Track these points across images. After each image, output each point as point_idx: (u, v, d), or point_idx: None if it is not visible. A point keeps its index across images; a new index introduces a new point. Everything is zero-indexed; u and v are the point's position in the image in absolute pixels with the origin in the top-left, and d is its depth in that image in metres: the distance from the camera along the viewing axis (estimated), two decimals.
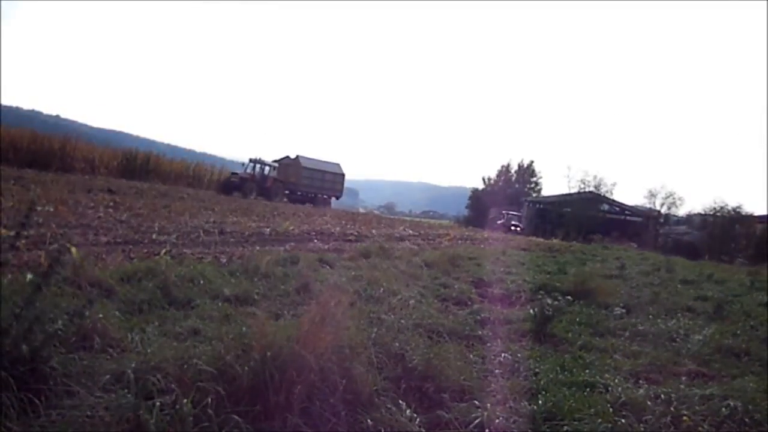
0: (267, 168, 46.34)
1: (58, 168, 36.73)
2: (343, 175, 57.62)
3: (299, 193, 52.15)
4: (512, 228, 54.74)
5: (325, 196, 54.62)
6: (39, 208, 13.62)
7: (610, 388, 5.10)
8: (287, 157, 53.53)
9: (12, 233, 4.41)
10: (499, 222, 58.22)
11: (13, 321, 3.56)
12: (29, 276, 4.71)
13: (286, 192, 49.53)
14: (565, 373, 5.57)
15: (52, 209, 13.99)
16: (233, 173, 45.53)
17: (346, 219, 30.37)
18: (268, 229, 17.45)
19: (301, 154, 56.87)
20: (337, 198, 58.22)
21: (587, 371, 5.68)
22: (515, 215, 63.34)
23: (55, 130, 49.49)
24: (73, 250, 6.77)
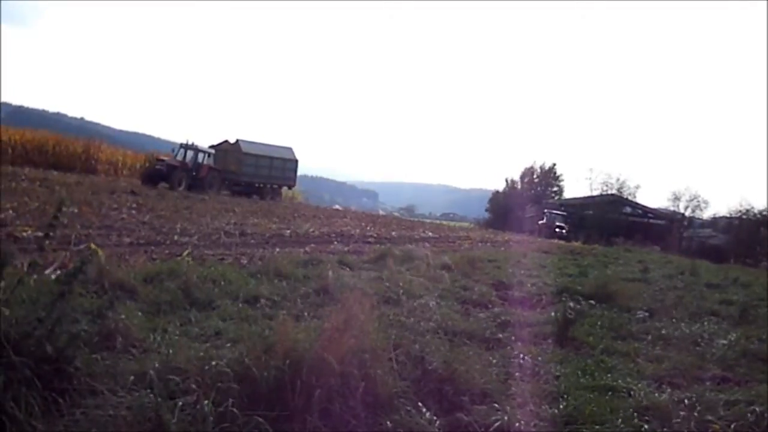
0: (201, 154, 38.23)
1: (82, 170, 37.29)
2: (295, 161, 48.57)
3: (242, 183, 43.60)
4: (557, 230, 48.83)
5: (274, 186, 46.41)
6: (64, 209, 13.80)
7: (632, 393, 5.04)
8: (226, 141, 45.10)
9: (39, 233, 4.47)
10: (540, 222, 53.08)
11: (39, 321, 3.60)
12: (54, 276, 4.79)
13: (226, 182, 42.17)
14: (587, 377, 5.51)
15: (76, 210, 14.18)
16: (159, 160, 37.97)
17: (366, 221, 30.41)
18: (288, 231, 17.55)
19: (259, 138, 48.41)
20: (290, 188, 49.97)
21: (609, 375, 5.62)
22: (560, 215, 54.95)
23: (79, 132, 50.22)
24: (99, 251, 6.86)
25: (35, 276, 4.26)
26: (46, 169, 32.47)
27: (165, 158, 37.58)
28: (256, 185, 44.39)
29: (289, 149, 48.51)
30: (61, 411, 3.33)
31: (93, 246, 6.03)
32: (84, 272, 4.17)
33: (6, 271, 3.86)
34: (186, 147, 37.55)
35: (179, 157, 37.09)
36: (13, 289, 3.84)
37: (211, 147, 41.27)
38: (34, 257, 4.47)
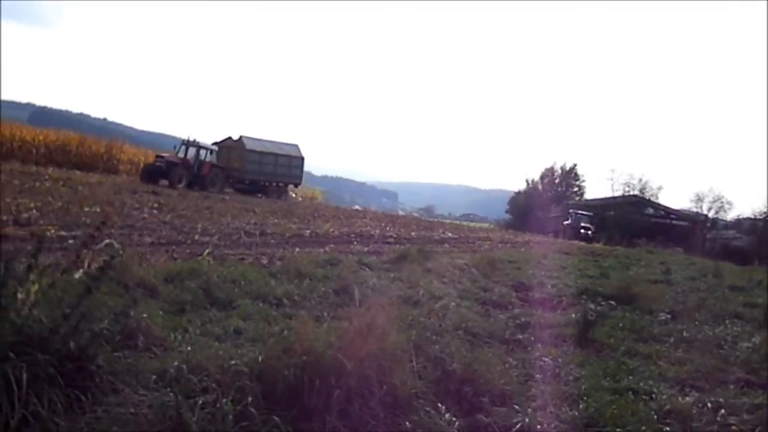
0: (203, 151, 37.23)
1: (105, 170, 37.71)
2: (301, 158, 46.60)
3: (246, 181, 42.08)
4: (582, 231, 47.50)
5: (279, 185, 44.60)
6: (86, 209, 13.98)
7: (654, 395, 5.00)
8: (230, 138, 43.51)
9: (62, 233, 4.52)
10: (565, 223, 52.32)
11: (62, 319, 3.64)
12: (77, 275, 4.83)
13: (229, 180, 40.61)
14: (608, 379, 5.48)
15: (98, 210, 14.34)
16: (158, 156, 36.65)
17: (385, 221, 30.41)
18: (308, 231, 17.60)
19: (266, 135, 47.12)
20: (296, 186, 48.05)
21: (631, 377, 5.58)
22: (585, 215, 53.35)
23: (102, 133, 50.73)
24: (120, 249, 6.93)
25: (62, 275, 4.29)
26: (69, 169, 32.86)
27: (165, 155, 36.55)
28: (262, 183, 43.06)
29: (295, 146, 46.85)
30: (83, 408, 3.36)
31: (114, 243, 6.11)
32: (108, 273, 4.21)
33: (38, 272, 3.90)
34: (187, 144, 36.66)
35: (180, 154, 36.28)
36: (45, 291, 3.87)
37: (215, 144, 40.40)
38: (57, 256, 4.52)
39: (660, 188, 63.29)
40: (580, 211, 54.63)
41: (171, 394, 3.48)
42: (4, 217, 11.06)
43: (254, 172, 42.30)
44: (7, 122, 38.55)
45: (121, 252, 6.94)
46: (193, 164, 36.02)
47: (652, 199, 62.42)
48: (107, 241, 4.94)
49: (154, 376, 3.76)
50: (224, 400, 3.44)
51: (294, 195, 48.45)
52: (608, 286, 11.32)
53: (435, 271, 11.05)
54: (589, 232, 48.37)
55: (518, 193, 79.44)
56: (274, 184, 43.81)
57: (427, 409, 4.07)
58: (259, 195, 40.18)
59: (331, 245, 15.05)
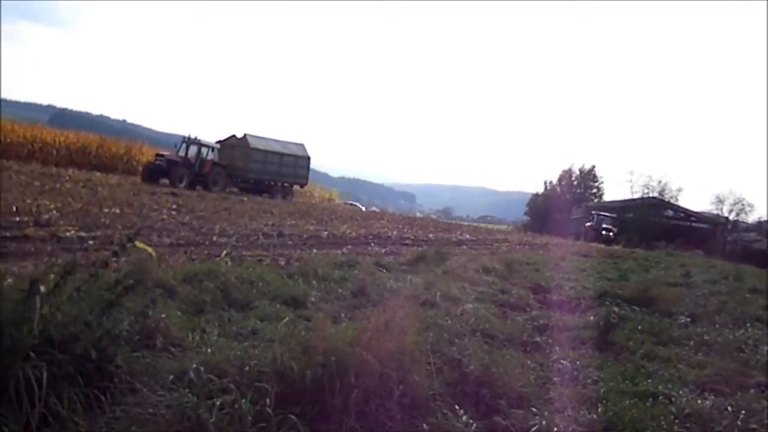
0: (204, 149, 36.08)
1: (124, 171, 38.04)
2: (308, 158, 45.45)
3: (250, 180, 40.94)
4: (603, 233, 47.09)
5: (285, 185, 43.45)
6: (106, 210, 14.12)
7: (674, 399, 4.94)
8: (233, 136, 42.31)
9: (82, 233, 4.56)
10: (587, 225, 51.74)
11: (85, 324, 3.67)
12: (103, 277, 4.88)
13: (232, 179, 39.70)
14: (627, 382, 5.43)
15: (118, 211, 14.47)
16: (159, 155, 35.40)
17: (403, 223, 30.40)
18: (326, 233, 17.64)
19: (272, 134, 47.14)
20: (302, 186, 46.89)
21: (650, 381, 5.52)
22: (608, 217, 52.46)
23: (121, 134, 51.27)
24: (150, 250, 6.98)
25: (79, 275, 4.33)
26: (89, 170, 33.20)
27: (166, 153, 35.53)
28: (266, 183, 41.85)
29: (301, 146, 45.62)
30: (103, 408, 3.38)
31: (140, 244, 6.13)
32: (135, 280, 4.25)
33: (69, 277, 3.93)
34: (188, 142, 35.67)
35: (181, 153, 35.27)
36: (70, 295, 3.91)
37: (218, 142, 39.39)
38: (77, 257, 4.56)
39: (680, 190, 62.65)
40: (602, 213, 54.04)
41: (189, 394, 3.50)
42: (25, 218, 11.19)
43: (258, 171, 41.34)
44: (28, 124, 39.10)
45: (151, 252, 7.02)
46: (194, 163, 35.08)
47: (672, 201, 61.83)
48: (132, 244, 4.97)
49: (173, 377, 3.78)
50: (242, 400, 3.45)
51: (302, 196, 48.10)
52: (627, 288, 11.22)
53: (453, 272, 11.02)
54: (611, 233, 47.96)
55: (536, 195, 79.12)
56: (279, 184, 42.93)
57: (445, 411, 4.06)
58: (264, 195, 39.40)
59: (349, 247, 15.08)
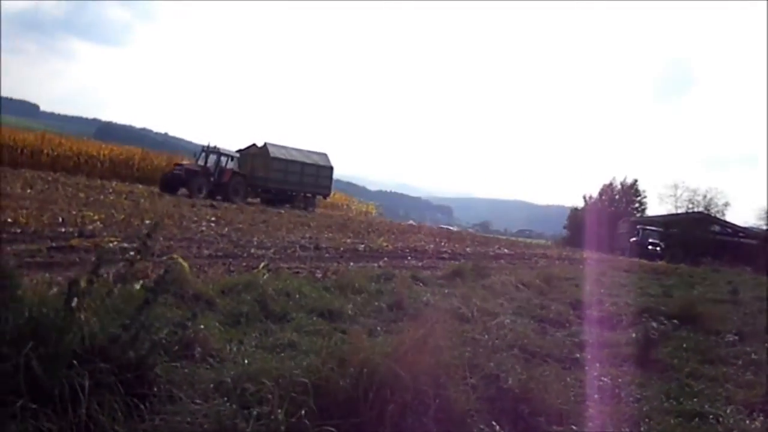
0: (224, 158, 35.16)
1: None
2: (330, 167, 44.43)
3: (271, 190, 40.03)
4: (650, 248, 45.29)
5: (307, 195, 42.64)
6: (147, 222, 14.37)
7: (721, 419, 4.80)
8: (254, 145, 41.60)
9: (124, 245, 4.65)
10: (632, 239, 50.01)
11: (123, 329, 3.73)
12: (138, 286, 4.96)
13: (253, 189, 38.87)
14: (671, 401, 5.29)
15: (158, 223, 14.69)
16: (177, 165, 34.74)
17: (439, 237, 30.30)
18: (363, 246, 17.65)
19: (294, 143, 45.28)
20: (325, 197, 46.09)
21: (695, 400, 5.37)
22: (654, 231, 50.68)
23: (163, 147, 52.33)
24: (183, 262, 7.09)
25: (122, 285, 4.41)
26: (132, 182, 33.94)
27: (184, 162, 35.17)
28: (288, 193, 41.28)
29: (324, 155, 44.78)
30: (142, 416, 3.42)
31: (176, 257, 6.24)
32: (166, 282, 4.30)
33: (99, 282, 4.01)
34: (208, 150, 35.01)
35: (201, 162, 34.64)
36: (103, 299, 3.98)
37: (238, 151, 38.82)
38: (119, 267, 4.63)
39: (726, 205, 61.11)
40: (648, 227, 52.52)
41: (227, 404, 3.53)
42: (71, 229, 11.45)
43: (279, 180, 40.47)
44: (74, 137, 40.21)
45: (185, 265, 7.11)
46: (213, 172, 34.28)
47: (718, 216, 60.35)
48: (168, 255, 5.06)
49: (211, 386, 3.81)
50: (278, 411, 3.46)
51: (339, 209, 48.36)
52: (671, 305, 10.95)
53: (490, 287, 10.93)
54: (658, 248, 46.54)
55: (576, 209, 78.01)
56: (301, 194, 42.22)
57: (482, 426, 4.00)
58: (286, 205, 38.74)
59: (385, 260, 15.05)
